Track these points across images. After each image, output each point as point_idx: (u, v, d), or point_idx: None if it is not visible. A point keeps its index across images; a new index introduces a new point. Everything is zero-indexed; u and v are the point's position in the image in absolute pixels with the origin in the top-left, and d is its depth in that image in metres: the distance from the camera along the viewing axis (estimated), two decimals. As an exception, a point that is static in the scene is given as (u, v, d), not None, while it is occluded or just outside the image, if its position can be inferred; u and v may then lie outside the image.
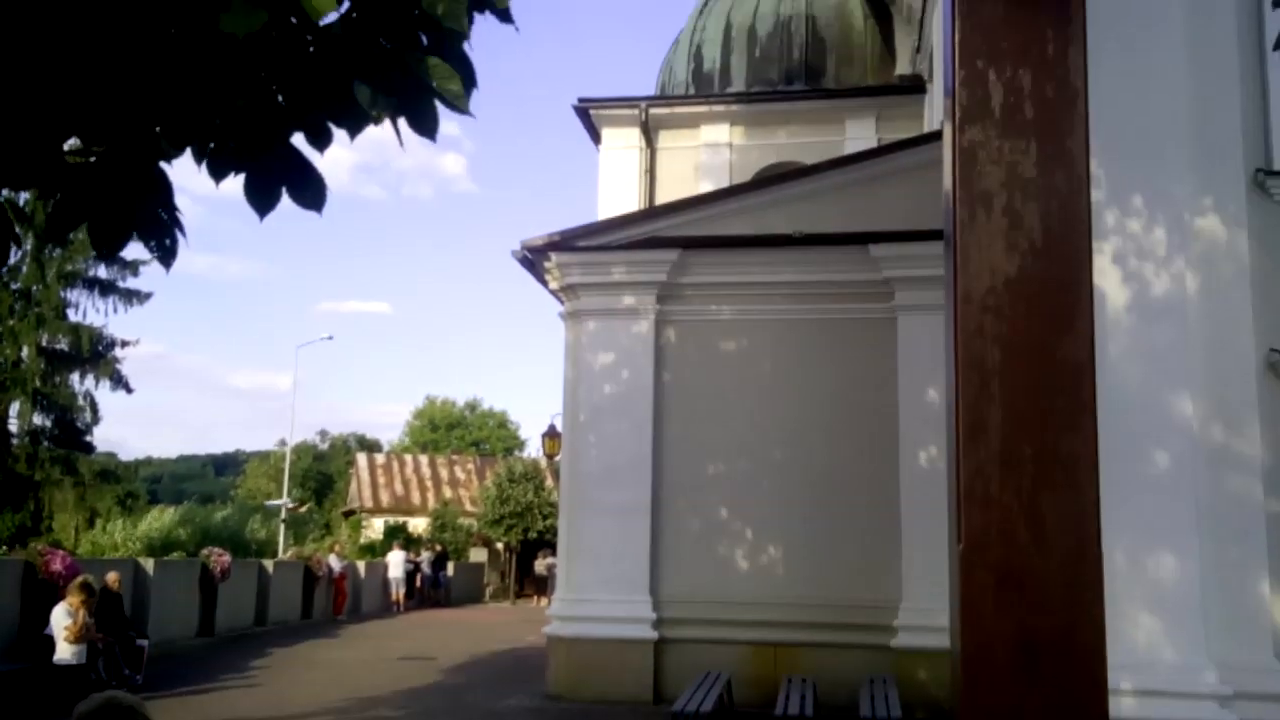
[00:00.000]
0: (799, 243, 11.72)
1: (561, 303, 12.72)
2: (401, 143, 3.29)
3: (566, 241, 12.26)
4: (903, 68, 17.43)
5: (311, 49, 2.92)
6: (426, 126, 3.11)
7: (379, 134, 3.23)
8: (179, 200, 3.17)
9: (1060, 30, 4.13)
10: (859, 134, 17.32)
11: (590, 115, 18.68)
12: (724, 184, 16.16)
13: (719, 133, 18.16)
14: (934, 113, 14.27)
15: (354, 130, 3.11)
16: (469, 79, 3.34)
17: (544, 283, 12.97)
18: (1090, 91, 4.41)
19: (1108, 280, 7.87)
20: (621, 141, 18.62)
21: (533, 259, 12.58)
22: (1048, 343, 4.15)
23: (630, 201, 17.71)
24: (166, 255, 2.97)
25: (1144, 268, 8.10)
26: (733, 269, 12.02)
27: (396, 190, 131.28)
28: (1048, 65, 4.11)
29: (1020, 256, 4.12)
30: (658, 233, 12.22)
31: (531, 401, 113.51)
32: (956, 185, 4.16)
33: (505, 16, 3.06)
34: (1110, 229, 8.03)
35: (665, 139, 18.54)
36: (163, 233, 2.96)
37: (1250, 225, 8.44)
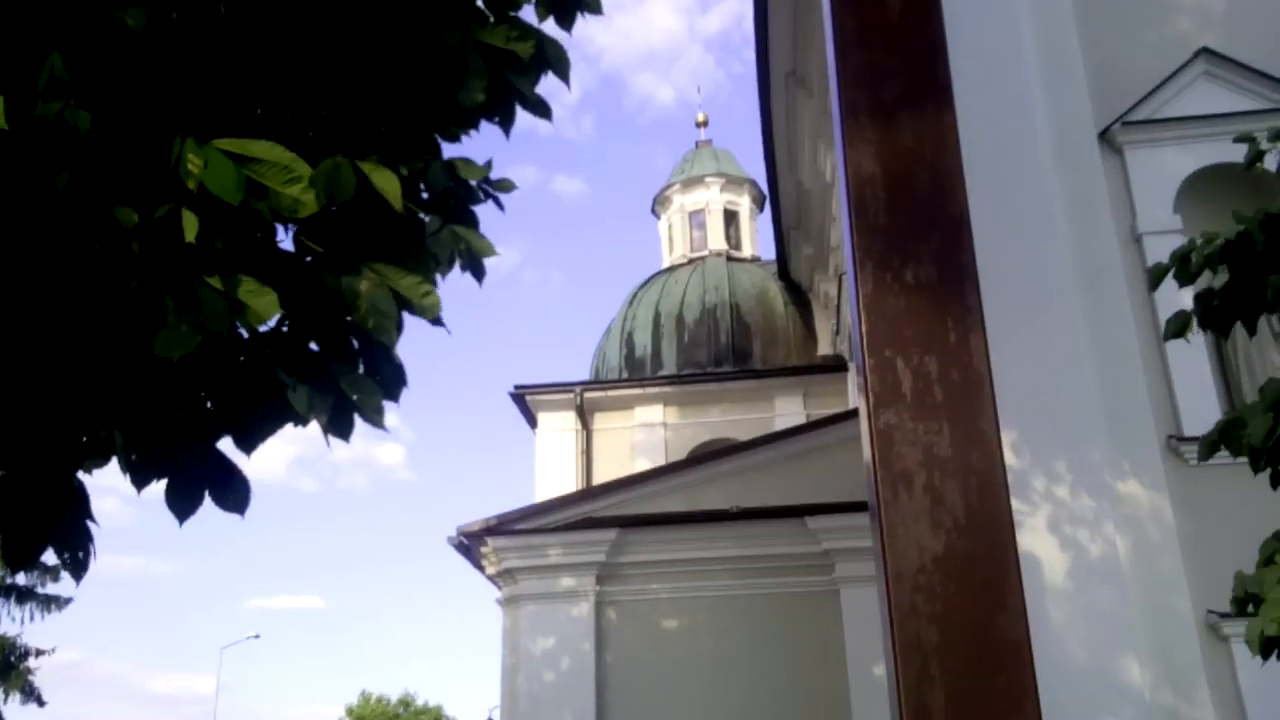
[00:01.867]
0: (736, 518, 11.74)
1: (499, 588, 12.44)
2: (329, 443, 3.32)
3: (503, 525, 12.15)
4: (824, 348, 18.26)
5: (241, 357, 2.99)
6: (342, 431, 3.15)
7: (318, 429, 3.26)
8: (109, 502, 3.13)
9: (960, 320, 4.41)
10: (787, 410, 17.87)
11: (526, 400, 19.04)
12: (660, 462, 16.37)
13: (653, 413, 18.58)
14: (856, 389, 14.79)
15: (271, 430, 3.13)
16: (399, 380, 3.43)
17: (481, 568, 12.72)
18: (1000, 369, 4.65)
19: (1042, 547, 7.93)
20: (557, 425, 18.91)
21: (469, 544, 12.40)
22: (983, 621, 4.13)
23: (567, 482, 17.76)
24: (79, 567, 2.88)
25: (1076, 533, 8.19)
26: (672, 546, 11.92)
27: (331, 482, 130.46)
28: (951, 352, 4.36)
29: (945, 534, 4.18)
30: (595, 513, 12.18)
31: (468, 694, 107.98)
32: (876, 465, 4.28)
33: (437, 322, 3.19)
34: (1039, 495, 8.19)
35: (600, 420, 18.88)
36: (77, 544, 2.89)
37: (1170, 489, 8.65)
